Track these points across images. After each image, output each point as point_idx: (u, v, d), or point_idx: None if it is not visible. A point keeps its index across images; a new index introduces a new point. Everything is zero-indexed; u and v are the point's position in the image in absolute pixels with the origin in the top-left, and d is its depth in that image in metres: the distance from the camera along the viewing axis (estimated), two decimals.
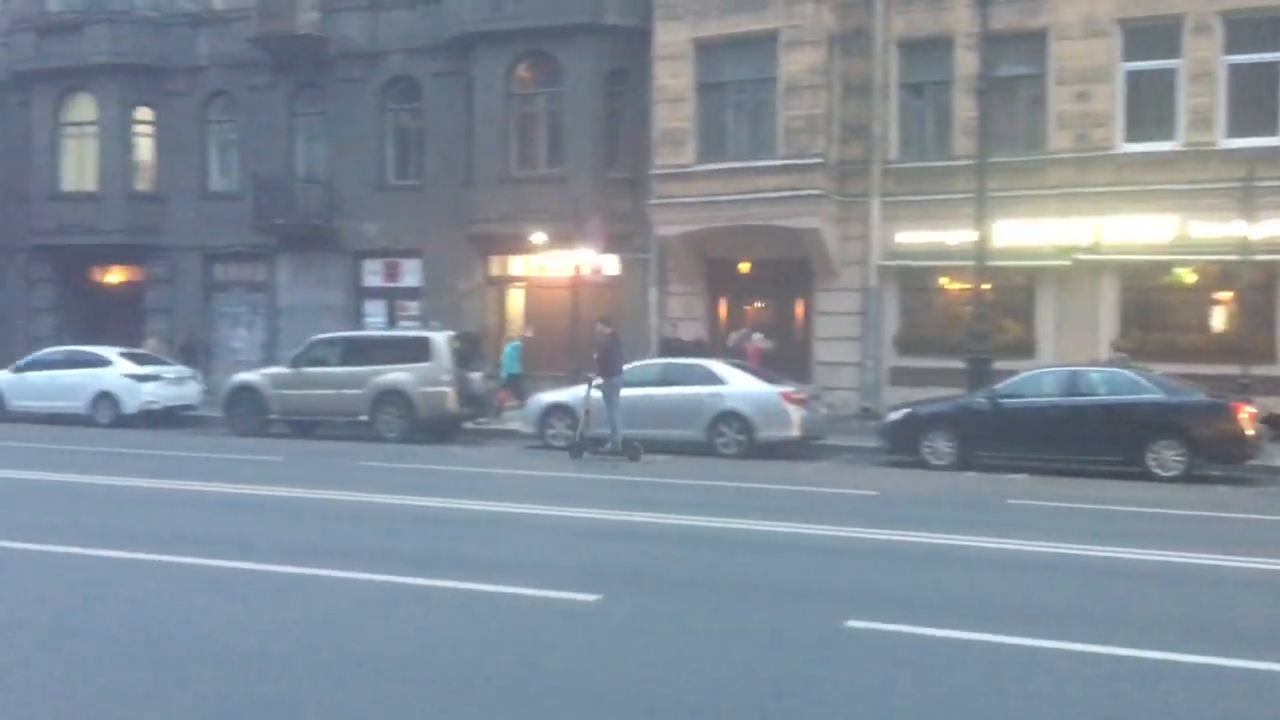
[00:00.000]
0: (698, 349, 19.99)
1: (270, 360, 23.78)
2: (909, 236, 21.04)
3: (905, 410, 16.75)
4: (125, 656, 5.94)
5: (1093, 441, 15.26)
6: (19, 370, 22.01)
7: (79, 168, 27.15)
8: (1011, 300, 20.48)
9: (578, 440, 16.38)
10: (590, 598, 7.27)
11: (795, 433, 16.98)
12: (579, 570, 8.25)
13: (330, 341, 20.21)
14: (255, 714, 5.10)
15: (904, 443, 16.43)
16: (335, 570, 7.91)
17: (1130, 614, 7.18)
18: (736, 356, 19.55)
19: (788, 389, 17.32)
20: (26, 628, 6.47)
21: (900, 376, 21.06)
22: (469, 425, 19.86)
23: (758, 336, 21.03)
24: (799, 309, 22.45)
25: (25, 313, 27.85)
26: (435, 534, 9.98)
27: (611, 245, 22.09)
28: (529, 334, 24.16)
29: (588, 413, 16.28)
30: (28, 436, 18.32)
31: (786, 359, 20.81)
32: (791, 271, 21.83)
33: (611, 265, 22.63)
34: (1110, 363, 17.00)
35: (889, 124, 21.26)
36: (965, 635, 6.44)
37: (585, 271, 21.50)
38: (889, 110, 21.25)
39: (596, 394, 16.29)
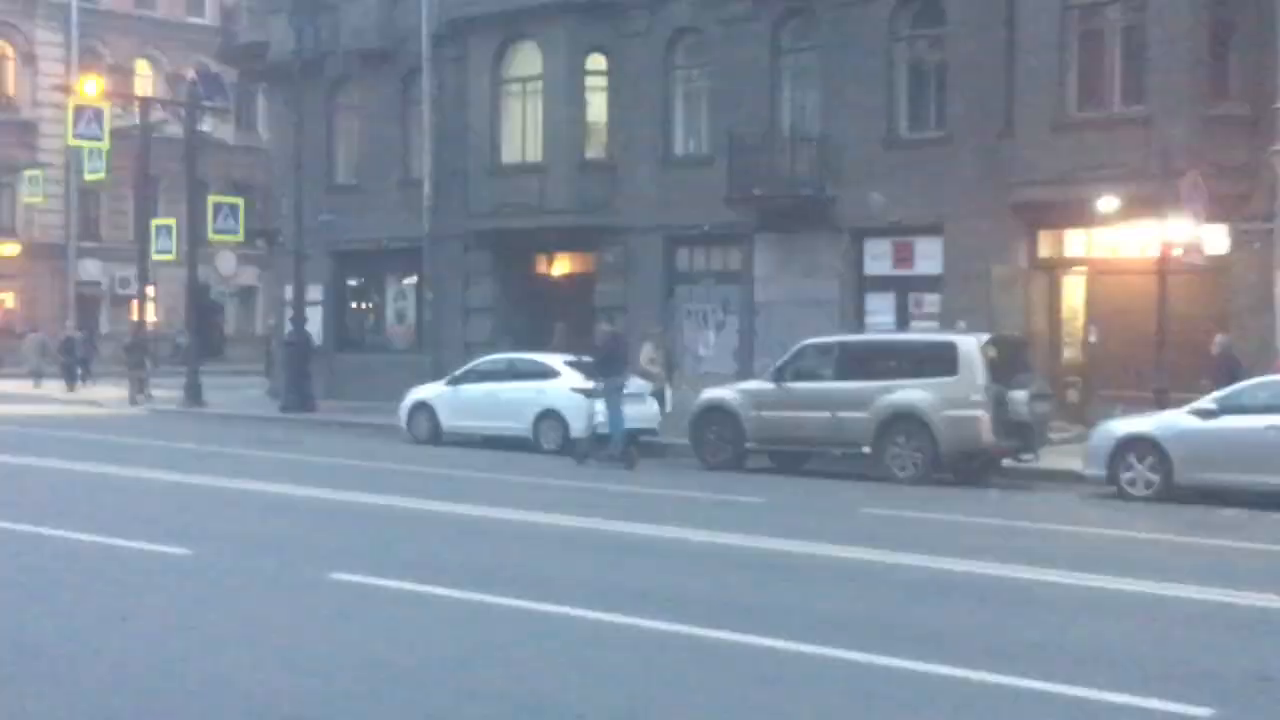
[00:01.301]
0: None
1: (745, 372, 24.95)
2: None
3: None
4: None
5: None
6: (454, 383, 24.30)
7: (520, 134, 29.85)
8: None
9: (585, 448, 20.54)
10: (1203, 712, 7.05)
11: None
12: (1188, 672, 8.01)
13: (823, 349, 20.79)
14: None
15: None
16: (857, 653, 8.20)
17: None
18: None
19: None
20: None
21: None
22: (1008, 463, 19.64)
23: None
24: None
25: (460, 314, 31.04)
26: (975, 609, 10.02)
27: (1217, 212, 20.98)
28: (1093, 339, 23.57)
29: (592, 418, 20.68)
30: (464, 464, 20.48)
31: None
32: None
33: (1217, 240, 21.49)
34: None
35: None
36: None
37: (1177, 251, 20.55)
38: None
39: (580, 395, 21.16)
